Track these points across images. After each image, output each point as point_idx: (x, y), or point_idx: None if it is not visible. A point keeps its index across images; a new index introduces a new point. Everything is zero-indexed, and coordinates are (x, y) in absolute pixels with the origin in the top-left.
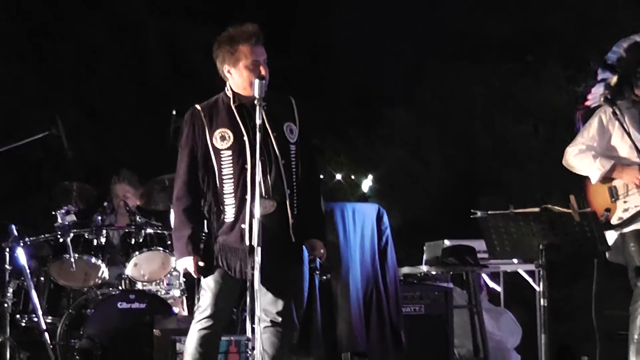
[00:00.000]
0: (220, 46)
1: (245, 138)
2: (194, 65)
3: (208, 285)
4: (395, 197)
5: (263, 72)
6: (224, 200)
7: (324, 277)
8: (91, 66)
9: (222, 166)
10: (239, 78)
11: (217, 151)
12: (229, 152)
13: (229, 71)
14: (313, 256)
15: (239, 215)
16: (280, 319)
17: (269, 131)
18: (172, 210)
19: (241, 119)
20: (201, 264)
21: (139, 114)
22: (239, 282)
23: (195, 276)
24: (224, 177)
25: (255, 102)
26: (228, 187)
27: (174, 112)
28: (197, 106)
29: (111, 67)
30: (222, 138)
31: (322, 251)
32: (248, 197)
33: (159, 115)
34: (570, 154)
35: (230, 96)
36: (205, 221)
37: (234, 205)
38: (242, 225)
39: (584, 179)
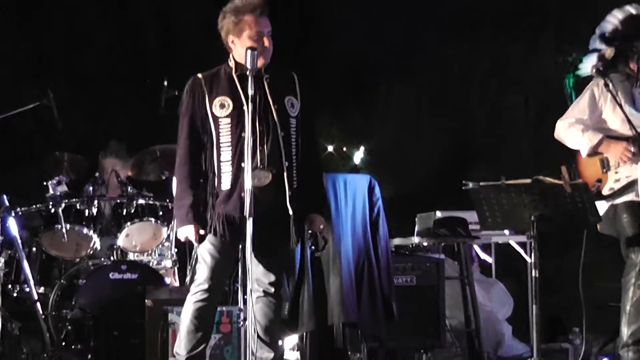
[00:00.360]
0: (226, 17)
1: (245, 107)
2: (185, 36)
3: (204, 257)
4: (387, 169)
5: (266, 43)
6: (221, 168)
7: (319, 254)
8: (83, 37)
9: (221, 134)
10: (242, 49)
11: (216, 119)
12: (228, 120)
13: (232, 41)
14: (312, 230)
15: (236, 184)
16: (272, 290)
17: (270, 102)
18: (174, 179)
19: (242, 88)
20: (202, 232)
21: (131, 85)
22: (235, 253)
23: (196, 244)
24: (221, 145)
25: (247, 72)
26: (225, 155)
27: (165, 83)
28: (199, 75)
29: (103, 38)
30: (222, 106)
31: (321, 227)
32: (245, 165)
33: (149, 85)
34: (560, 127)
35: (233, 66)
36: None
37: (230, 173)
38: (242, 194)
39: (576, 151)
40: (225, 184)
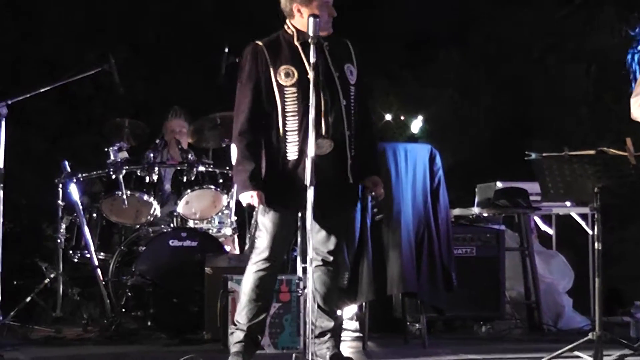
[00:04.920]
0: None
1: (310, 76)
2: (245, 2)
3: (265, 226)
4: (445, 138)
5: (334, 13)
6: (287, 137)
7: (377, 218)
8: (141, 3)
9: (286, 103)
10: (307, 15)
11: (281, 87)
12: (294, 89)
13: (299, 9)
14: (373, 192)
15: (303, 154)
16: (331, 258)
17: (332, 71)
18: (232, 146)
19: (305, 56)
20: (263, 198)
21: (188, 51)
22: (295, 222)
23: (258, 211)
24: (287, 114)
25: (310, 40)
26: (292, 125)
27: (226, 50)
28: (259, 42)
29: (161, 3)
30: (287, 75)
31: (381, 190)
32: (310, 134)
33: (208, 52)
34: (634, 104)
35: (293, 33)
36: (264, 158)
37: (296, 143)
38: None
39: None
40: (292, 153)
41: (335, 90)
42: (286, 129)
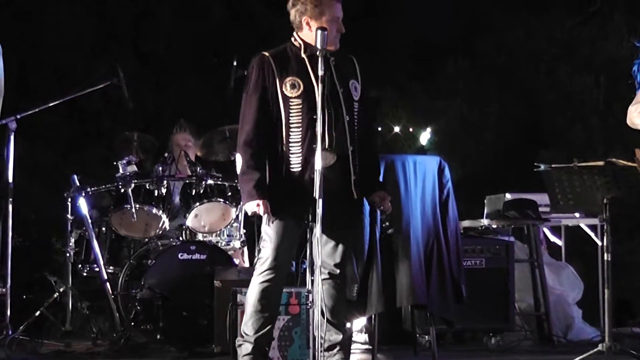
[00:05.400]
0: None
1: (316, 88)
2: (254, 15)
3: (269, 236)
4: (454, 150)
5: (342, 29)
6: (290, 149)
7: (389, 231)
8: (150, 15)
9: (291, 114)
10: (315, 27)
11: (287, 99)
12: (299, 101)
13: (307, 22)
14: (382, 207)
15: (307, 165)
16: (338, 271)
17: (337, 86)
18: (237, 155)
19: (312, 70)
20: (268, 207)
21: (197, 64)
22: (300, 232)
23: (264, 217)
24: (291, 126)
25: (318, 53)
26: (295, 136)
27: (235, 63)
28: (266, 53)
29: (171, 16)
30: (293, 86)
31: (389, 204)
32: (316, 146)
33: (217, 64)
34: (633, 112)
35: (300, 46)
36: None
37: (300, 155)
38: (312, 176)
39: None
40: (296, 165)
41: (339, 105)
42: (290, 140)
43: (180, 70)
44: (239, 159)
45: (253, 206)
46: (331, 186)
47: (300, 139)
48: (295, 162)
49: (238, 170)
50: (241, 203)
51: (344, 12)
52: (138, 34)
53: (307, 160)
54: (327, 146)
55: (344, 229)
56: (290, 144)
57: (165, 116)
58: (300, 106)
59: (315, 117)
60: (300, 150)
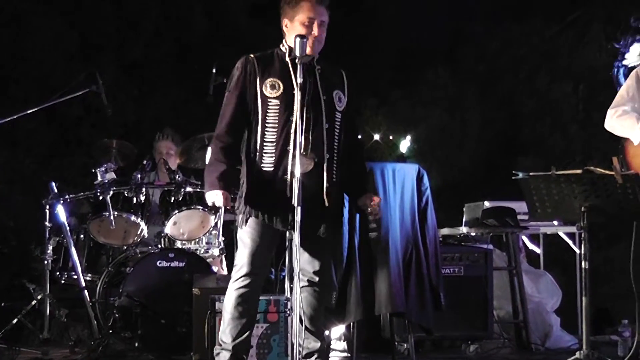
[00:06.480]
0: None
1: (296, 92)
2: (235, 23)
3: (244, 242)
4: (434, 158)
5: (316, 31)
6: (264, 148)
7: (371, 234)
8: (131, 23)
9: (268, 114)
10: (292, 33)
11: (265, 99)
12: (277, 102)
13: (286, 25)
14: (370, 209)
15: (279, 166)
16: (317, 279)
17: (320, 92)
18: (209, 148)
19: (294, 73)
20: (228, 199)
21: (178, 72)
22: (276, 237)
23: (222, 206)
24: (267, 125)
25: (296, 60)
26: (270, 136)
27: (214, 70)
28: (251, 55)
29: (152, 24)
30: (272, 87)
31: (377, 208)
32: (290, 149)
33: (198, 72)
34: (612, 115)
35: (286, 50)
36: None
37: (273, 155)
38: (285, 177)
39: (623, 140)
40: (267, 164)
41: (320, 111)
42: (264, 139)
43: (160, 78)
44: (208, 152)
45: (213, 196)
46: (305, 192)
47: (274, 139)
48: (268, 162)
49: (207, 162)
50: (220, 211)
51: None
52: (119, 42)
53: (279, 161)
54: (302, 150)
55: (322, 236)
56: (264, 144)
57: (145, 124)
58: (278, 107)
59: (291, 118)
60: (274, 150)
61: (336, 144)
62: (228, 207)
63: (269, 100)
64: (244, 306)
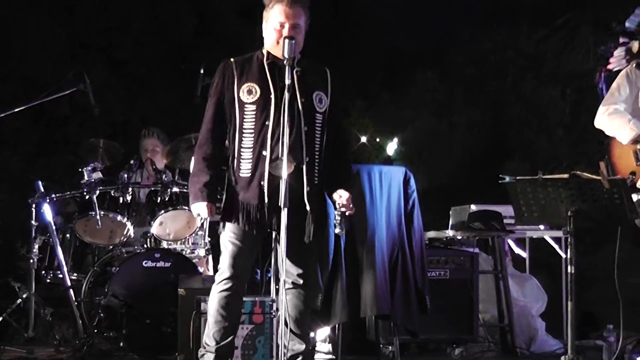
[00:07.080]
0: (265, 2)
1: (272, 96)
2: (223, 23)
3: (225, 246)
4: (421, 161)
5: (287, 34)
6: (242, 154)
7: (337, 231)
8: (119, 23)
9: (245, 119)
10: (267, 36)
11: (242, 104)
12: (253, 107)
13: (265, 28)
14: (340, 205)
15: (255, 171)
16: (301, 281)
17: (297, 95)
18: (192, 158)
19: (271, 77)
20: (213, 210)
21: (167, 72)
22: (258, 240)
23: (209, 218)
24: (244, 131)
25: (285, 62)
26: (247, 142)
27: (202, 71)
28: (231, 59)
29: (140, 24)
30: (249, 92)
31: (350, 204)
32: (266, 153)
33: (186, 73)
34: (603, 112)
35: (265, 53)
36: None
37: (250, 161)
38: (262, 182)
39: (609, 143)
40: (245, 170)
41: (298, 114)
42: (242, 145)
43: (148, 79)
44: (192, 161)
45: (197, 208)
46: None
47: (251, 145)
48: (245, 168)
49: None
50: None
51: (314, 21)
52: (108, 42)
53: (256, 167)
54: (279, 154)
55: (305, 239)
56: (242, 150)
57: (133, 124)
58: (254, 112)
59: (267, 123)
60: (251, 156)
61: (317, 146)
62: (212, 217)
63: (246, 105)
64: (227, 310)
